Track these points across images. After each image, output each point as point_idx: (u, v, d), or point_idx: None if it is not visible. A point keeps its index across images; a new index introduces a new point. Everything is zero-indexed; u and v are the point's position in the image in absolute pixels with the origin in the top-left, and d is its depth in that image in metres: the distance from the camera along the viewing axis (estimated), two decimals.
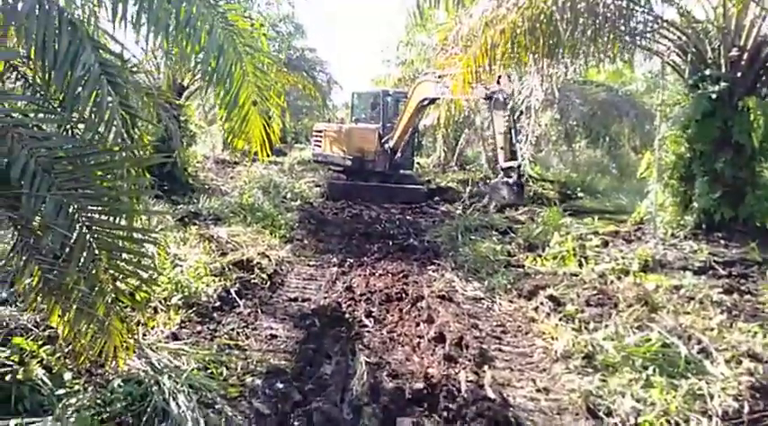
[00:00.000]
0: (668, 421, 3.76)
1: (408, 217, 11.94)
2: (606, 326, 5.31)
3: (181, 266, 5.93)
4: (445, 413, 3.62)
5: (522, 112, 10.58)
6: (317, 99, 17.70)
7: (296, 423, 3.44)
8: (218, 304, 5.43)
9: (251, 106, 5.04)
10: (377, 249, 8.61)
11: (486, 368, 4.44)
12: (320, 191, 14.60)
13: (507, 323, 5.73)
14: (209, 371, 3.99)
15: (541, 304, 5.85)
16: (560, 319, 5.57)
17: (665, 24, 7.95)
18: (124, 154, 3.77)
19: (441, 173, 18.74)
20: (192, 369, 3.81)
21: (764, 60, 7.98)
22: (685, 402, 4.03)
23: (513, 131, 11.31)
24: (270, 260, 7.09)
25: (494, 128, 12.10)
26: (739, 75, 7.88)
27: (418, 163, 19.88)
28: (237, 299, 5.69)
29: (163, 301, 5.12)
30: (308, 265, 7.75)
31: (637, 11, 7.59)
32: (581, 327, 5.28)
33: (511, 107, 11.32)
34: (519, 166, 11.56)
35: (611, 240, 8.25)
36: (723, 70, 7.94)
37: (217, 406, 3.55)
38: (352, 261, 7.81)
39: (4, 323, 3.67)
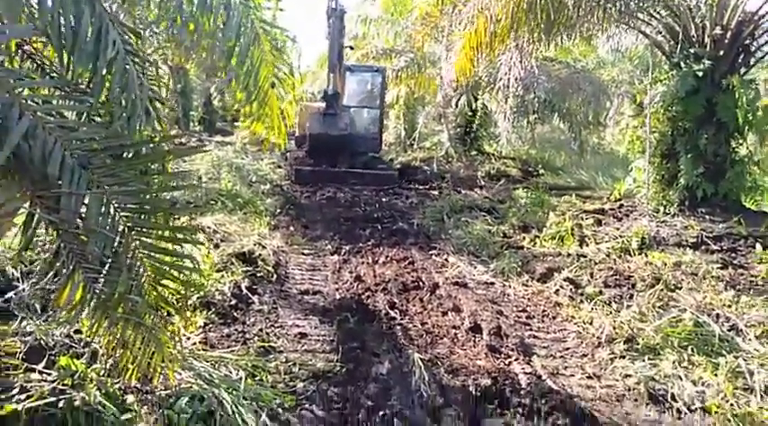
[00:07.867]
0: (729, 404, 3.79)
1: (384, 199, 11.69)
2: (628, 307, 5.36)
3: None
4: (520, 409, 3.50)
5: (499, 89, 10.51)
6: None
7: None
8: (233, 302, 5.05)
9: (269, 88, 4.67)
10: (368, 234, 8.35)
11: (534, 358, 4.35)
12: (284, 173, 14.11)
13: (528, 307, 5.65)
14: (258, 378, 3.69)
15: (561, 287, 5.82)
16: (581, 301, 5.57)
17: (654, 2, 8.02)
18: (162, 145, 3.38)
19: (402, 151, 18.51)
20: (246, 379, 3.50)
21: (744, 39, 8.21)
22: (728, 380, 4.10)
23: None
24: (267, 251, 6.72)
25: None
26: (721, 53, 8.07)
27: None
28: (250, 295, 5.34)
29: (176, 302, 4.72)
30: (303, 254, 7.39)
31: None
32: (608, 310, 5.28)
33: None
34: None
35: (601, 218, 8.35)
36: (707, 49, 8.11)
37: (282, 418, 3.28)
38: (347, 248, 7.50)
39: (44, 342, 3.23)
